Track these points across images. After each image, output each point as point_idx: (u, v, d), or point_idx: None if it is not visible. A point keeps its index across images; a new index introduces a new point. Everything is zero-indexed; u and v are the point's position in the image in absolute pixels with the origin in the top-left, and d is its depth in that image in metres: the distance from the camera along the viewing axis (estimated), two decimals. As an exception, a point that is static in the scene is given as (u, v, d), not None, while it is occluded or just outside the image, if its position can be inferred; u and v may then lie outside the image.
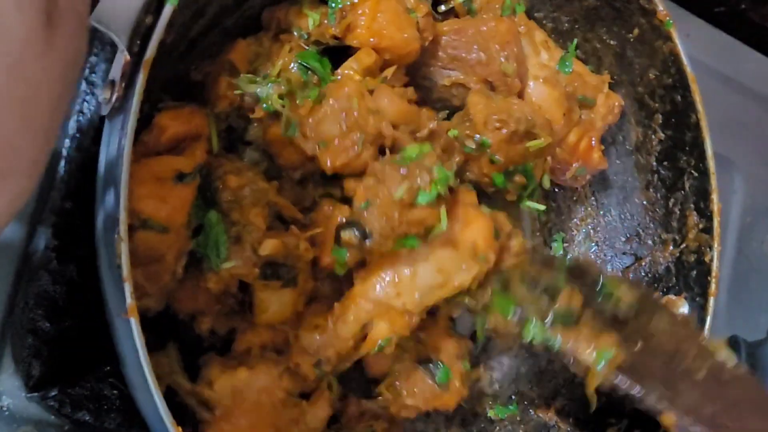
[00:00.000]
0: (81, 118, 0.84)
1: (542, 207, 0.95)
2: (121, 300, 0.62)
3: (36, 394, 0.80)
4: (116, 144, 0.65)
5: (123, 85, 0.65)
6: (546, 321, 0.79)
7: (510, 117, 0.85)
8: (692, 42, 0.93)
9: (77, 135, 0.84)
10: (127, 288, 0.62)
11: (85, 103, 0.84)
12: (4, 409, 0.80)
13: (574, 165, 0.96)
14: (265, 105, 0.80)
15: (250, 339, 0.84)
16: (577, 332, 0.79)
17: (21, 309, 0.81)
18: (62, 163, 0.84)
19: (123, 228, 0.63)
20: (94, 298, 0.78)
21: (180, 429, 0.66)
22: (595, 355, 0.78)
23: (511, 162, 0.88)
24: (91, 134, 0.84)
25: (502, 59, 0.89)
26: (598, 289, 0.80)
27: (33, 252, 0.82)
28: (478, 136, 0.86)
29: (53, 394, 0.81)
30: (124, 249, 0.62)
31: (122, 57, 0.65)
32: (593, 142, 0.96)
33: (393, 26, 0.83)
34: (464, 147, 0.87)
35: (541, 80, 0.93)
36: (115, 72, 0.66)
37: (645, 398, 0.77)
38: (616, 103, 0.97)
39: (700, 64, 0.93)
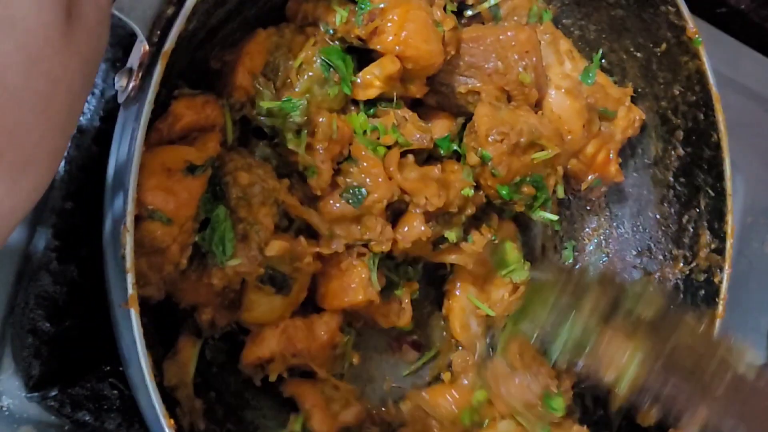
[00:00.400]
0: (82, 118, 0.82)
1: (555, 217, 0.93)
2: (123, 290, 0.63)
3: (36, 394, 0.80)
4: (129, 134, 0.65)
5: (140, 74, 0.65)
6: (566, 341, 0.77)
7: (512, 129, 0.85)
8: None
9: (78, 135, 0.82)
10: (130, 279, 0.62)
11: (86, 104, 0.82)
12: (4, 409, 0.80)
13: (590, 177, 0.95)
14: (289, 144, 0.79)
15: (257, 351, 0.84)
16: (599, 351, 0.77)
17: (21, 309, 0.80)
18: (62, 163, 0.82)
19: (129, 219, 0.63)
20: (95, 298, 0.78)
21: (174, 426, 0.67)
22: (616, 375, 0.76)
23: (514, 174, 0.87)
24: (92, 134, 0.82)
25: (520, 69, 0.87)
26: (619, 303, 0.77)
27: (33, 252, 0.81)
28: (480, 149, 0.86)
29: (53, 394, 0.81)
30: (129, 240, 0.63)
31: (141, 46, 0.64)
32: (611, 155, 0.94)
33: (419, 37, 0.81)
34: (468, 165, 0.88)
35: (563, 90, 0.91)
36: (133, 60, 0.65)
37: (666, 416, 0.76)
38: (637, 117, 0.96)
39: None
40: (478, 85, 0.88)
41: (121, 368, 0.82)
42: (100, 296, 0.71)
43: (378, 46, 0.82)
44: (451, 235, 0.89)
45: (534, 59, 0.88)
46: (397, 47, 0.81)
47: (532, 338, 0.79)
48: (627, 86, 0.97)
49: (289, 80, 0.82)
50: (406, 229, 0.86)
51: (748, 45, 1.27)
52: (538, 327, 0.79)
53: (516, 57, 0.87)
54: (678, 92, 0.94)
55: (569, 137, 0.91)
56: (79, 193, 0.82)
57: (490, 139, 0.85)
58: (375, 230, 0.83)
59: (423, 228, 0.85)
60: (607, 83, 0.95)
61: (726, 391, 0.75)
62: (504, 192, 0.88)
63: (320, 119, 0.80)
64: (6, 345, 0.80)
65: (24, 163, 0.49)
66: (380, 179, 0.82)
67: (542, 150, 0.87)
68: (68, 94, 0.51)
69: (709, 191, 0.92)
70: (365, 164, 0.82)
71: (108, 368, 0.82)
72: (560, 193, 0.94)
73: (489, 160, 0.86)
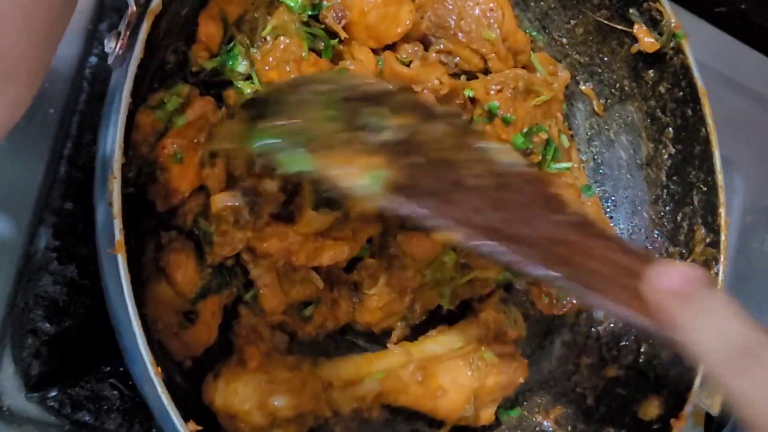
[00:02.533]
0: (82, 118, 0.84)
1: (569, 164, 0.96)
2: (110, 236, 0.64)
3: (36, 394, 0.80)
4: (120, 89, 0.66)
5: (127, 33, 0.67)
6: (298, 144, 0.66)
7: (506, 79, 0.88)
8: (692, 42, 0.92)
9: (77, 134, 0.84)
10: (117, 224, 0.64)
11: (87, 104, 0.84)
12: (4, 409, 0.80)
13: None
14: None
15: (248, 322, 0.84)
16: (339, 156, 0.66)
17: (21, 309, 0.81)
18: (62, 163, 0.83)
19: (117, 166, 0.65)
20: (95, 298, 0.78)
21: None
22: (366, 179, 0.65)
23: (523, 121, 0.89)
24: (92, 134, 0.84)
25: (485, 26, 0.89)
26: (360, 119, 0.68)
27: (33, 252, 0.82)
28: (486, 104, 0.89)
29: (53, 394, 0.80)
30: (116, 186, 0.64)
31: (129, 9, 0.67)
32: None
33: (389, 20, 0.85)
34: (478, 120, 0.90)
35: (568, 183, 0.96)
36: (123, 24, 0.68)
37: (420, 217, 0.65)
38: None
39: (700, 64, 0.92)
40: (449, 45, 0.90)
41: (121, 368, 0.82)
42: (100, 296, 0.72)
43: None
44: None
45: (499, 14, 0.89)
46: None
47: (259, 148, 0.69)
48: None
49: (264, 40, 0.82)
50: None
51: (748, 45, 1.28)
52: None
53: (478, 13, 0.88)
54: (665, 90, 0.95)
55: None
56: (79, 193, 0.83)
57: (491, 92, 0.88)
58: None
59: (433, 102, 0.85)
60: (600, 209, 1.00)
61: (491, 183, 0.67)
62: (519, 141, 0.89)
63: (294, 40, 0.81)
64: (6, 345, 0.80)
65: (6, 74, 0.51)
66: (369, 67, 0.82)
67: (539, 96, 0.91)
68: (49, 12, 0.53)
69: (702, 186, 0.92)
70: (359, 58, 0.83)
71: (108, 369, 0.82)
72: (565, 143, 0.96)
73: (497, 110, 0.88)
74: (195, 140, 0.77)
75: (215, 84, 0.83)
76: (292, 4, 0.82)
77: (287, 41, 0.80)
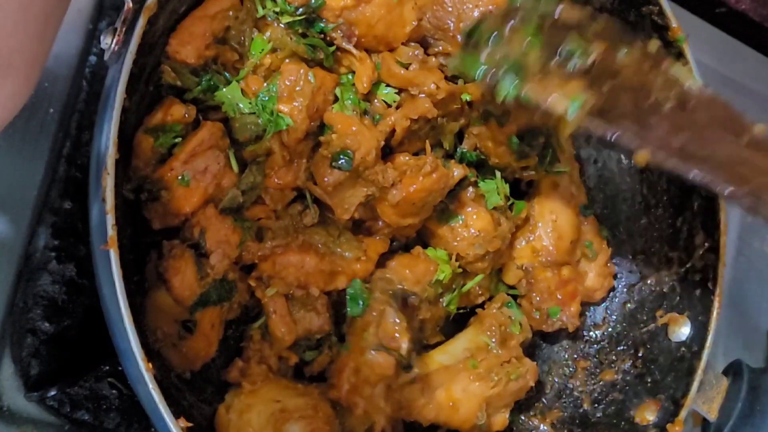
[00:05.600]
0: (81, 117, 0.84)
1: (567, 168, 0.96)
2: (104, 232, 0.64)
3: (35, 393, 0.81)
4: (115, 86, 0.66)
5: (123, 30, 0.67)
6: (512, 72, 0.75)
7: None
8: (692, 42, 0.91)
9: (76, 133, 0.84)
10: (110, 220, 0.64)
11: (87, 104, 0.84)
12: (4, 408, 0.81)
13: (552, 302, 0.96)
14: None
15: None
16: (545, 82, 0.75)
17: (20, 309, 0.81)
18: (62, 162, 0.83)
19: (110, 162, 0.65)
20: (94, 297, 0.78)
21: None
22: (566, 103, 0.74)
23: (519, 123, 0.89)
24: (91, 133, 0.83)
25: None
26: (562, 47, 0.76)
27: (32, 252, 0.82)
28: (482, 106, 0.90)
29: (52, 393, 0.81)
30: (109, 182, 0.64)
31: (126, 6, 0.67)
32: (578, 297, 0.96)
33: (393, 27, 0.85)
34: (474, 122, 0.91)
35: (568, 203, 0.96)
36: (119, 21, 0.68)
37: (619, 139, 0.74)
38: (607, 283, 0.99)
39: (700, 64, 0.91)
40: (448, 47, 0.89)
41: (120, 367, 0.82)
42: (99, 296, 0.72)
43: (355, 52, 0.83)
44: (446, 142, 0.92)
45: None
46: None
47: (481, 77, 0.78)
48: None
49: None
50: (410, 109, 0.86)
51: (748, 45, 1.28)
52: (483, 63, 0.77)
53: (477, 15, 0.87)
54: (667, 93, 0.95)
55: (558, 240, 0.95)
56: (77, 193, 0.83)
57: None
58: (378, 180, 0.83)
59: (429, 106, 0.85)
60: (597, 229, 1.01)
61: (675, 105, 0.75)
62: (515, 143, 0.90)
63: (300, 71, 0.80)
64: (5, 345, 0.81)
65: (1, 70, 0.51)
66: (360, 135, 0.81)
67: None
68: (45, 4, 0.53)
69: (701, 191, 0.92)
70: (339, 126, 0.81)
71: (107, 368, 0.83)
72: (563, 145, 0.97)
73: (493, 111, 0.89)
74: (204, 166, 0.78)
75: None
76: (287, 22, 0.81)
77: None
